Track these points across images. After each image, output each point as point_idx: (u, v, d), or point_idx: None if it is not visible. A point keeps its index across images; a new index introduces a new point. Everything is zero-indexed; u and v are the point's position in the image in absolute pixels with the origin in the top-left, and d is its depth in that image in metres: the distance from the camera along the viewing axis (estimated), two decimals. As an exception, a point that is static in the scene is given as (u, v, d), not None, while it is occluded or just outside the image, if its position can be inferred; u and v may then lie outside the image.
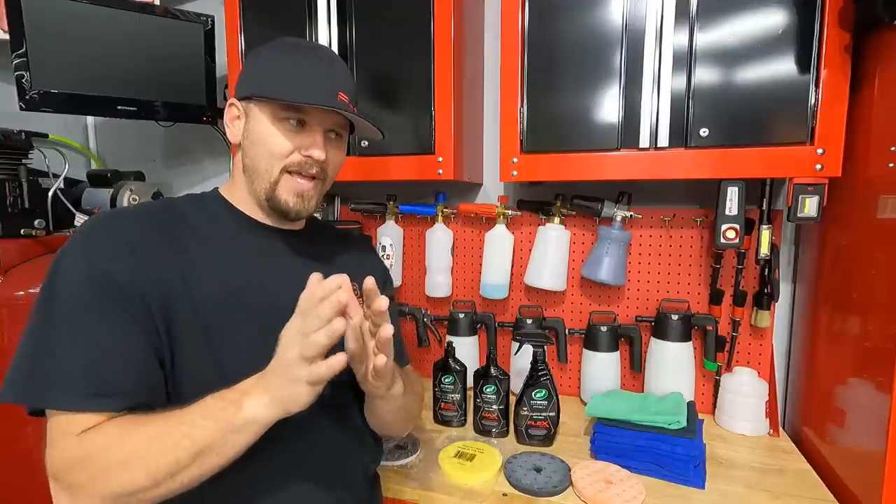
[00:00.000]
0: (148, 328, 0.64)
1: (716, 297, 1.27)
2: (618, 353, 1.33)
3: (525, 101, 1.13)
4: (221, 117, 1.59)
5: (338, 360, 0.57)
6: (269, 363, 0.64)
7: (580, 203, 1.32)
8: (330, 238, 0.94)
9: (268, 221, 0.80)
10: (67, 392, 0.60)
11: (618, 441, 1.04)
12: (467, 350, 1.41)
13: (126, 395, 0.61)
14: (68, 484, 0.59)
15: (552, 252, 1.34)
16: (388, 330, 0.61)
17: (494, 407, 1.18)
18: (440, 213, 1.46)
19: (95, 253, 0.64)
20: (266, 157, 0.74)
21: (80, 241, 0.66)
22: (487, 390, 1.18)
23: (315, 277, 0.61)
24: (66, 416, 0.60)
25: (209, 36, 1.53)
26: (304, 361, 0.57)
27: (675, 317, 1.25)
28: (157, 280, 0.66)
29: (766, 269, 1.20)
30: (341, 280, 0.59)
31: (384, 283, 1.00)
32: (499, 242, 1.41)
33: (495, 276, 1.41)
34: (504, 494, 0.95)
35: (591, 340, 1.34)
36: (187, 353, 0.67)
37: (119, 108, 1.44)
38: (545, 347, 1.15)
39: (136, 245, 0.66)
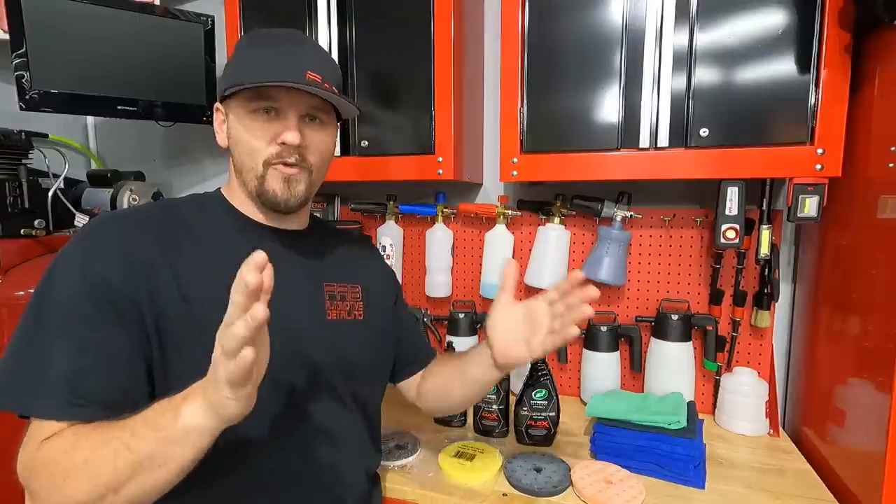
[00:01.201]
0: (139, 336, 0.63)
1: (716, 297, 1.26)
2: (618, 353, 1.33)
3: (525, 101, 1.13)
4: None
5: (243, 356, 0.47)
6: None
7: (580, 203, 1.32)
8: (333, 238, 0.92)
9: (267, 222, 0.80)
10: (48, 400, 0.59)
11: (618, 441, 1.04)
12: (467, 350, 1.41)
13: (105, 405, 0.59)
14: (29, 490, 0.59)
15: (552, 252, 1.34)
16: (588, 309, 0.71)
17: (494, 407, 1.18)
18: (440, 213, 1.46)
19: (90, 258, 0.63)
20: (248, 154, 0.73)
21: (77, 245, 0.65)
22: (487, 390, 1.18)
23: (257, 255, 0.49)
24: (39, 421, 0.60)
25: (209, 36, 1.53)
26: (226, 358, 0.48)
27: (675, 317, 1.25)
28: (151, 285, 0.65)
29: (766, 269, 1.20)
30: (260, 257, 0.48)
31: (394, 285, 1.00)
32: (499, 242, 1.41)
33: (495, 276, 1.41)
34: (504, 494, 0.95)
35: (591, 340, 1.34)
36: (182, 358, 0.66)
37: (119, 108, 1.44)
38: (545, 347, 1.15)
39: (133, 249, 0.66)
